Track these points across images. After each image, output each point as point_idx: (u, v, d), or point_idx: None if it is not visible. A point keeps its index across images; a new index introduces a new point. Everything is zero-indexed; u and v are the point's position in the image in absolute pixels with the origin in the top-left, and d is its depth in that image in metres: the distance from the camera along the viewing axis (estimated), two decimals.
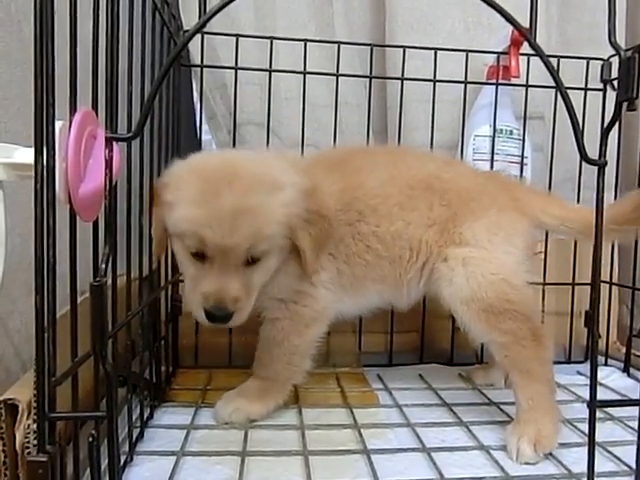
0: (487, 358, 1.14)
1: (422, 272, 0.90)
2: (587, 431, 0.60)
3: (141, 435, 0.78)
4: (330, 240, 0.82)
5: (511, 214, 0.89)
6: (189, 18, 1.16)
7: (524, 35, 0.56)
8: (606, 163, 0.57)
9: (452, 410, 0.92)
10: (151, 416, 0.85)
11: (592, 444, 0.60)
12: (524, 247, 0.88)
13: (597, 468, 0.62)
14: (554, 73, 0.55)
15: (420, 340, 1.19)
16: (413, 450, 0.78)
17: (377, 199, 0.87)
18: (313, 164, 0.92)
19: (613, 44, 0.55)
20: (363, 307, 0.95)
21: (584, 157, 0.56)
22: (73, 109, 0.51)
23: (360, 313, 0.98)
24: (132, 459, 0.72)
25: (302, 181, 0.78)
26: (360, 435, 0.82)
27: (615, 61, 1.14)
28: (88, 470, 0.57)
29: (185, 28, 1.10)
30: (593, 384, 0.58)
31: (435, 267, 0.88)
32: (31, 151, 0.48)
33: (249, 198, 0.71)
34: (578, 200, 1.21)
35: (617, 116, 0.56)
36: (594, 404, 0.58)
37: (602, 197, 0.59)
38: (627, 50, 0.55)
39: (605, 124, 0.58)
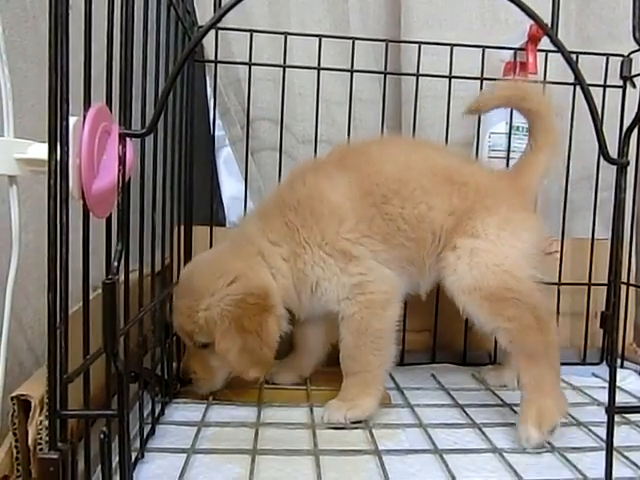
0: (500, 359, 1.13)
1: (437, 258, 0.92)
2: (602, 435, 0.59)
3: (152, 432, 0.78)
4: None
5: (520, 213, 0.92)
6: (204, 13, 1.15)
7: (545, 31, 0.55)
8: (628, 163, 0.56)
9: (465, 411, 0.91)
10: (162, 412, 0.85)
11: (610, 451, 0.58)
12: (532, 242, 0.90)
13: (614, 474, 0.60)
14: (576, 70, 0.54)
15: (433, 340, 1.18)
16: (425, 452, 0.77)
17: (398, 183, 0.89)
18: (324, 161, 0.96)
19: (638, 41, 0.54)
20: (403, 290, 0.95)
21: (606, 157, 0.55)
22: (87, 105, 0.51)
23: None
24: (143, 456, 0.72)
25: (231, 276, 0.87)
26: (372, 435, 0.81)
27: (636, 57, 1.14)
28: (99, 467, 0.57)
29: (200, 23, 1.09)
30: (612, 389, 0.57)
31: (443, 255, 0.90)
32: (45, 147, 0.48)
33: (180, 301, 0.90)
34: (595, 200, 1.19)
35: None
36: (612, 410, 0.57)
37: (623, 198, 0.58)
38: None
39: (625, 121, 0.56)
